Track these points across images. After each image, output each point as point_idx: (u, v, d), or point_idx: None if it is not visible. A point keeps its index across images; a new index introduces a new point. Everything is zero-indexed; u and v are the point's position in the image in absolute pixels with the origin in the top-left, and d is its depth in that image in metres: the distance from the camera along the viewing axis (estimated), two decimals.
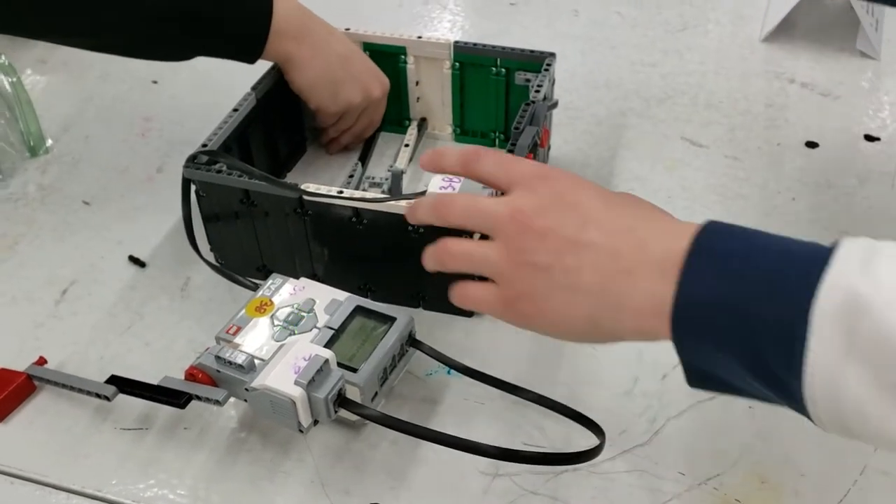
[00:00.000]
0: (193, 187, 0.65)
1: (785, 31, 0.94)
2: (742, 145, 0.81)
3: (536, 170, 0.49)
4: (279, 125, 0.77)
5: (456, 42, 0.76)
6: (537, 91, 0.70)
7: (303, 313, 0.57)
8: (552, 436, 0.56)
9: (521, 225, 0.46)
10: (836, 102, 0.86)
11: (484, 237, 0.49)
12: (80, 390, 0.57)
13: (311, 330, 0.56)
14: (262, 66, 0.74)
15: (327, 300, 0.58)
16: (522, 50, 0.75)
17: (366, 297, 0.60)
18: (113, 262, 0.70)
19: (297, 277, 0.64)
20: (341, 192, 0.61)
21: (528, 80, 0.75)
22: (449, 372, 0.60)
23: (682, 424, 0.57)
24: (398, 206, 0.59)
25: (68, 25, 0.67)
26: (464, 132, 0.82)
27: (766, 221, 0.72)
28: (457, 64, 0.77)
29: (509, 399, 0.57)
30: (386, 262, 0.64)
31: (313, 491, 0.53)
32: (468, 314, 0.65)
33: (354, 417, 0.54)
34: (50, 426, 0.58)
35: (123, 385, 0.56)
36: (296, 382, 0.50)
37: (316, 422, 0.52)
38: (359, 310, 0.58)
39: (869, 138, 0.81)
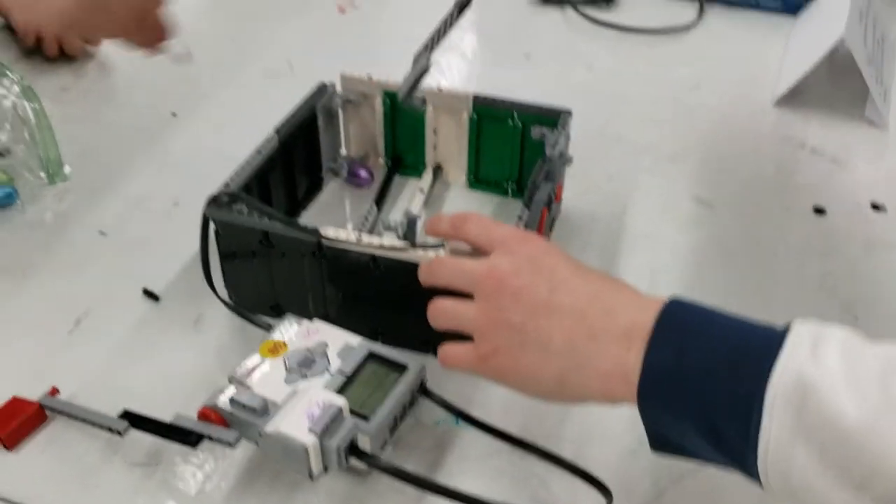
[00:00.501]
0: (212, 226, 0.66)
1: (797, 95, 0.96)
2: (751, 208, 0.82)
3: (515, 233, 0.54)
4: (299, 165, 0.78)
5: (475, 95, 0.77)
6: (553, 147, 0.72)
7: (315, 357, 0.58)
8: (558, 492, 0.56)
9: (497, 283, 0.51)
10: (844, 169, 0.88)
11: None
12: (93, 423, 0.57)
13: (323, 374, 0.57)
14: (282, 103, 0.75)
15: (340, 344, 0.59)
16: (540, 105, 0.76)
17: (377, 340, 0.61)
18: (127, 294, 0.71)
19: (309, 317, 0.65)
20: (359, 237, 0.62)
21: (543, 135, 0.76)
22: (457, 422, 0.60)
23: (686, 487, 0.57)
24: (414, 255, 0.61)
25: None
26: (478, 180, 0.83)
27: (772, 286, 0.73)
28: (475, 115, 0.79)
29: (516, 453, 0.58)
30: (399, 307, 0.65)
31: None
32: None
33: (363, 465, 0.55)
34: (60, 457, 0.58)
35: (136, 420, 0.56)
36: (309, 430, 0.50)
37: (326, 468, 0.52)
38: (371, 356, 0.58)
39: (876, 207, 0.82)
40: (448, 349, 0.55)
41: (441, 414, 0.60)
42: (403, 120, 0.81)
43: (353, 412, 0.54)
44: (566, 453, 0.56)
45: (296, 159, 0.77)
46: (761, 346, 0.42)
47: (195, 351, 0.66)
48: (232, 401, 0.53)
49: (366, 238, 0.62)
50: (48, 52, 0.99)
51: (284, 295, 0.67)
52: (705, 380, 0.43)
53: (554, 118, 0.75)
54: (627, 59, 1.04)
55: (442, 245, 0.59)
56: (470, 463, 0.58)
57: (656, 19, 1.11)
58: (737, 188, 0.84)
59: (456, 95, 0.78)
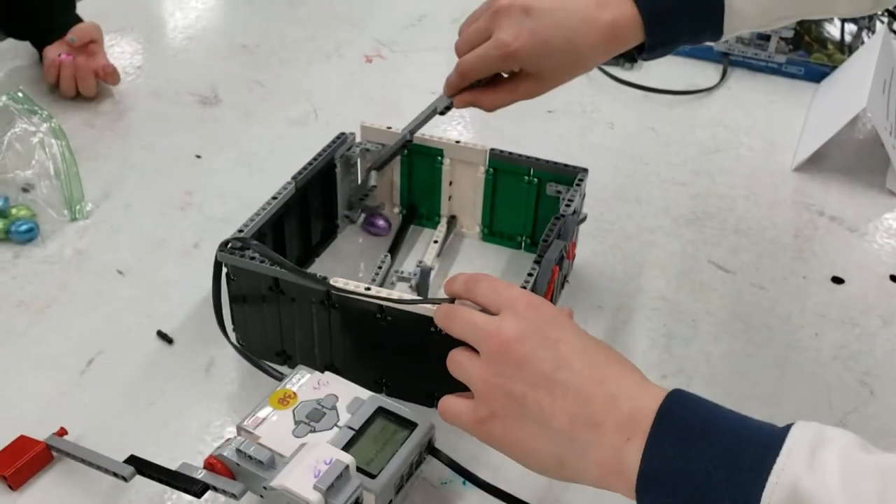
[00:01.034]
0: (224, 269, 0.66)
1: (816, 162, 0.96)
2: (769, 274, 0.82)
3: (525, 297, 0.53)
4: (314, 212, 0.78)
5: (492, 149, 0.78)
6: (567, 205, 0.72)
7: (325, 410, 0.58)
8: None
9: (500, 346, 0.50)
10: (863, 239, 0.87)
11: None
12: (98, 467, 0.57)
13: (331, 428, 0.56)
14: (305, 149, 0.76)
15: (350, 398, 0.59)
16: (556, 163, 0.77)
17: (381, 391, 0.61)
18: (141, 336, 0.71)
19: (315, 364, 0.65)
20: (369, 288, 0.62)
21: (559, 192, 0.76)
22: (464, 483, 0.60)
23: None
24: (423, 308, 0.61)
25: None
26: (491, 233, 0.83)
27: (788, 355, 0.73)
28: (491, 169, 0.79)
29: None
30: (405, 359, 0.65)
31: None
32: None
33: None
34: (64, 499, 0.58)
35: (142, 466, 0.56)
36: (315, 487, 0.50)
37: None
38: (381, 411, 0.58)
39: (895, 279, 0.82)
40: (449, 403, 0.54)
41: (448, 474, 0.60)
42: (420, 170, 0.82)
43: (359, 469, 0.53)
44: None
45: (312, 206, 0.77)
46: (759, 450, 0.42)
47: (205, 396, 0.66)
48: (239, 452, 0.53)
49: (374, 289, 0.62)
50: (63, 92, 1.00)
51: (292, 341, 0.68)
52: (704, 484, 0.42)
53: (571, 176, 0.76)
54: (649, 120, 1.05)
55: (450, 299, 0.59)
56: None
57: (679, 81, 1.12)
58: (755, 254, 0.84)
59: (473, 149, 0.79)
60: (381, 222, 0.84)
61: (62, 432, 0.61)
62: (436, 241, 0.81)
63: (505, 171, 0.79)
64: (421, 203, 0.84)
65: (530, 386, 0.49)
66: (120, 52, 1.13)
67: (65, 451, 0.59)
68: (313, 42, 1.18)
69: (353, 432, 0.56)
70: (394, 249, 0.81)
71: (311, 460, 0.51)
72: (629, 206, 0.90)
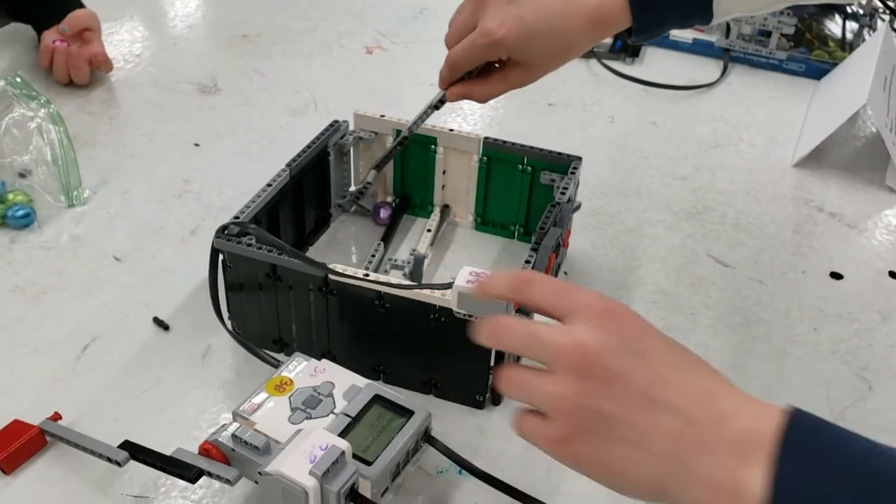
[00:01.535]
0: (221, 256, 0.66)
1: (816, 158, 0.96)
2: (768, 269, 0.81)
3: (601, 303, 0.46)
4: (308, 200, 0.78)
5: (485, 138, 0.78)
6: (563, 193, 0.72)
7: (321, 397, 0.57)
8: None
9: (584, 360, 0.43)
10: (862, 235, 0.87)
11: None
12: (92, 452, 0.57)
13: (328, 415, 0.56)
14: (303, 138, 0.76)
15: (346, 385, 0.58)
16: (550, 151, 0.76)
17: (378, 378, 0.60)
18: (137, 322, 0.71)
19: (312, 351, 0.65)
20: (367, 274, 0.62)
21: (552, 181, 0.76)
22: (460, 472, 0.59)
23: None
24: (421, 294, 0.60)
25: None
26: (484, 222, 0.83)
27: (786, 349, 0.73)
28: (484, 158, 0.79)
29: None
30: (403, 346, 0.64)
31: None
32: (479, 405, 0.65)
33: None
34: (57, 484, 0.58)
35: (136, 451, 0.56)
36: (310, 473, 0.49)
37: None
38: (377, 399, 0.58)
39: (893, 275, 0.82)
40: (524, 421, 0.46)
41: (444, 462, 0.59)
42: (414, 159, 0.82)
43: (355, 456, 0.53)
44: None
45: (306, 194, 0.77)
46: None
47: (200, 382, 0.66)
48: (234, 437, 0.53)
49: (373, 275, 0.62)
50: (56, 78, 1.00)
51: (289, 329, 0.67)
52: None
53: (565, 165, 0.75)
54: (650, 114, 1.05)
55: (449, 285, 0.59)
56: None
57: (680, 76, 1.12)
58: (754, 249, 0.84)
59: (467, 137, 0.78)
60: (384, 214, 0.83)
61: (56, 417, 0.61)
62: (429, 230, 0.81)
63: (499, 159, 0.79)
64: (414, 192, 0.84)
65: (623, 405, 0.43)
66: (119, 39, 1.12)
67: (59, 436, 0.59)
68: (315, 33, 1.17)
69: (349, 419, 0.56)
70: (387, 238, 0.80)
71: (306, 446, 0.51)
72: (629, 200, 0.89)
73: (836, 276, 0.81)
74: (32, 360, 0.67)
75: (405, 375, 0.66)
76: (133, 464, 0.56)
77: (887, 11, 1.16)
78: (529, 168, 0.78)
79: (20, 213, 0.79)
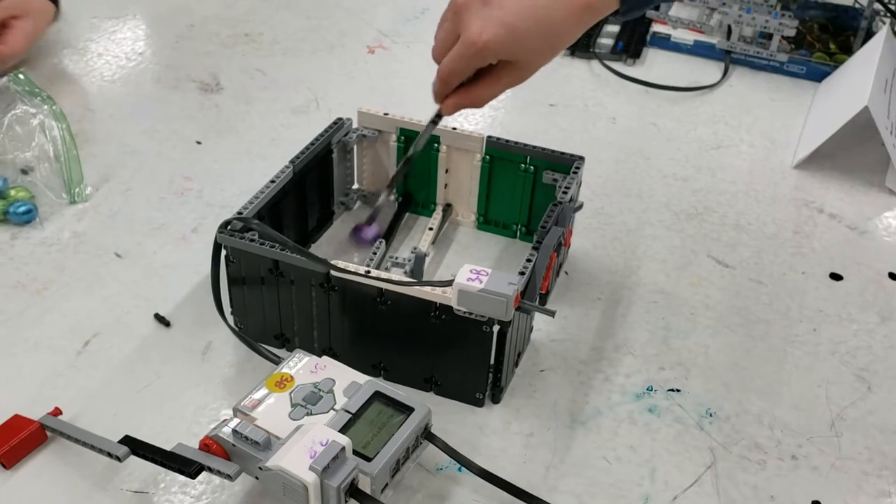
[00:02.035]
0: (224, 252, 0.66)
1: (817, 160, 0.96)
2: (767, 270, 0.81)
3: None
4: (311, 197, 0.78)
5: (489, 137, 0.78)
6: (565, 192, 0.72)
7: (322, 393, 0.57)
8: None
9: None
10: (862, 237, 0.87)
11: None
12: (93, 447, 0.57)
13: (328, 412, 0.56)
14: (305, 137, 0.76)
15: (347, 382, 0.59)
16: (553, 151, 0.77)
17: (378, 375, 0.60)
18: (138, 318, 0.71)
19: (313, 347, 0.65)
20: (369, 271, 0.62)
21: (555, 180, 0.76)
22: (460, 469, 0.59)
23: None
24: (423, 292, 0.61)
25: None
26: (486, 221, 0.83)
27: (786, 349, 0.73)
28: (487, 157, 0.79)
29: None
30: (403, 343, 0.65)
31: None
32: (479, 403, 0.65)
33: None
34: (57, 479, 0.58)
35: (136, 447, 0.56)
36: (310, 468, 0.50)
37: None
38: (378, 395, 0.58)
39: (893, 276, 0.82)
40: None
41: (444, 460, 0.59)
42: (417, 157, 0.82)
43: (355, 452, 0.53)
44: None
45: (309, 191, 0.77)
46: None
47: (201, 378, 0.66)
48: (235, 432, 0.53)
49: (374, 272, 0.62)
50: None
51: (290, 325, 0.67)
52: None
53: (567, 164, 0.76)
54: (651, 115, 1.05)
55: (450, 282, 0.59)
56: None
57: (681, 77, 1.12)
58: (754, 250, 0.84)
59: (470, 136, 0.78)
60: (369, 234, 0.79)
61: (57, 412, 0.61)
62: (431, 229, 0.81)
63: (501, 158, 0.79)
64: (417, 190, 0.84)
65: None
66: (122, 37, 1.12)
67: (59, 431, 0.59)
68: (316, 32, 1.18)
69: (349, 416, 0.56)
70: (388, 236, 0.81)
71: (307, 441, 0.51)
72: (630, 200, 0.90)
73: (836, 277, 0.81)
74: (33, 355, 0.67)
75: (405, 372, 0.66)
76: (133, 459, 0.56)
77: (888, 14, 1.17)
78: (532, 167, 0.78)
79: (22, 209, 0.80)
